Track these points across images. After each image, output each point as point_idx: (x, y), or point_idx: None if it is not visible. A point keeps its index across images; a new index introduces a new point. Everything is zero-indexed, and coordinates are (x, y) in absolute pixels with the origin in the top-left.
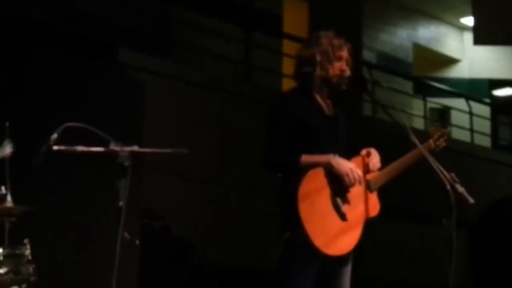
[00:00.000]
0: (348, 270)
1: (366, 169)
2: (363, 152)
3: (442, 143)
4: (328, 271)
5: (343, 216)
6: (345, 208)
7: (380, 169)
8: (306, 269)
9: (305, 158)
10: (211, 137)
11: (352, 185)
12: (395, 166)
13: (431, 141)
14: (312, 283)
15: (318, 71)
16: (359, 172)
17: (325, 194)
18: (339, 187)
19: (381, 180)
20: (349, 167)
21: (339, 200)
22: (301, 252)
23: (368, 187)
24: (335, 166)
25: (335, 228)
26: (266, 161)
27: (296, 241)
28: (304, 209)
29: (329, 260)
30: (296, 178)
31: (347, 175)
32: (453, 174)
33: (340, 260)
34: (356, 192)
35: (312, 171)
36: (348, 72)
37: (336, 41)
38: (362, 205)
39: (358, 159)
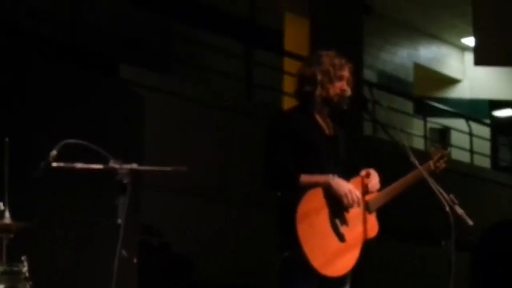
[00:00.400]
0: None
1: (365, 190)
2: (363, 173)
3: (442, 164)
4: None
5: (341, 237)
6: (343, 229)
7: (379, 189)
8: (305, 286)
9: (304, 178)
10: (212, 153)
11: (351, 206)
12: (395, 187)
13: (431, 163)
14: None
15: (319, 91)
16: (357, 193)
17: (324, 214)
18: (338, 207)
19: (380, 201)
20: (348, 188)
21: (337, 221)
22: (300, 272)
23: (367, 208)
24: (334, 187)
25: (333, 249)
26: (264, 178)
27: (295, 261)
28: (303, 230)
29: (327, 281)
30: (294, 197)
31: (346, 196)
32: (452, 196)
33: (338, 281)
34: (355, 212)
35: (311, 191)
36: (349, 92)
37: (337, 61)
38: (361, 226)
39: (357, 179)
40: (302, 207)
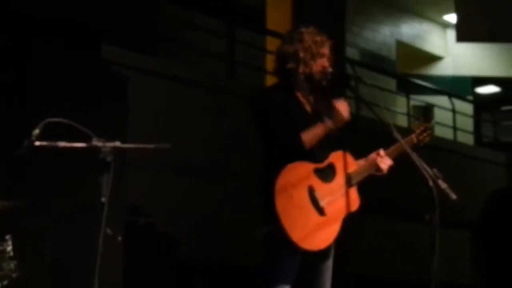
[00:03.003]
0: (329, 265)
1: (347, 164)
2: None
3: (425, 137)
4: (308, 266)
5: (321, 211)
6: (323, 202)
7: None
8: (286, 261)
9: (304, 136)
10: (195, 132)
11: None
12: (375, 159)
13: (413, 136)
14: (294, 274)
15: (302, 68)
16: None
17: (303, 188)
18: (317, 181)
19: (361, 174)
20: (343, 107)
21: (317, 195)
22: (281, 246)
23: (349, 182)
24: (337, 121)
25: (313, 223)
26: (279, 142)
27: (275, 236)
28: (281, 204)
29: (310, 255)
30: (274, 172)
31: (348, 117)
32: (435, 170)
33: (321, 255)
34: (336, 186)
35: (290, 165)
36: (329, 69)
37: (318, 38)
38: (342, 199)
39: (338, 153)
40: (280, 181)
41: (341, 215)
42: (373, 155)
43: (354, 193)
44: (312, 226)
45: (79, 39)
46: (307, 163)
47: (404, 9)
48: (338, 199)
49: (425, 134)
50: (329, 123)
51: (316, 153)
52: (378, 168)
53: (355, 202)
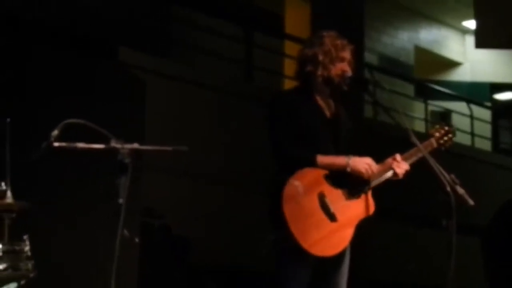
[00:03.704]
0: (344, 271)
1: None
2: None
3: (447, 141)
4: (322, 273)
5: (332, 217)
6: (335, 208)
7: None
8: (297, 268)
9: (321, 159)
10: (212, 136)
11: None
12: (391, 164)
13: (432, 140)
14: (306, 282)
15: (320, 71)
16: (374, 166)
17: (312, 194)
18: (328, 187)
19: (376, 179)
20: (366, 162)
21: (328, 200)
22: (291, 253)
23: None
24: (352, 168)
25: (323, 229)
26: (280, 155)
27: (284, 242)
28: (289, 210)
29: (323, 262)
30: (285, 176)
31: (367, 171)
32: (453, 176)
33: (334, 262)
34: (348, 192)
35: (300, 171)
36: (350, 73)
37: (339, 42)
38: (356, 205)
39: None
40: (289, 187)
41: (355, 220)
42: (389, 160)
43: (369, 198)
44: (323, 232)
45: (96, 44)
46: (317, 168)
47: (423, 15)
48: (352, 204)
49: (446, 138)
50: (350, 164)
51: None
52: (394, 173)
53: (371, 207)
